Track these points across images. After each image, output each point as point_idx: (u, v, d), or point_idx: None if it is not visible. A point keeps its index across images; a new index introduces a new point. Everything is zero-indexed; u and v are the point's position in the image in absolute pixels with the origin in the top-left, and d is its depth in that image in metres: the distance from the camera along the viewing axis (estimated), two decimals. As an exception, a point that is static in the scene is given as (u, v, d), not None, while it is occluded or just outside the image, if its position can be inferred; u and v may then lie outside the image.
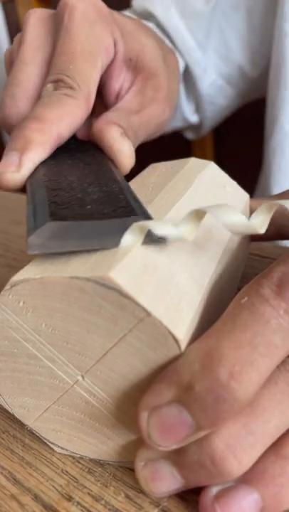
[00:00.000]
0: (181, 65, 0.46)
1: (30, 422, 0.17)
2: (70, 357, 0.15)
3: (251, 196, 0.24)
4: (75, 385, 0.15)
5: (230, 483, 0.14)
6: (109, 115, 0.25)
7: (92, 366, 0.15)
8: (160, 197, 0.19)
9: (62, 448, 0.17)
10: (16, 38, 0.29)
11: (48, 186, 0.18)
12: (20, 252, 0.35)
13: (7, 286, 0.14)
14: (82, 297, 0.13)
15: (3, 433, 0.19)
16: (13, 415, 0.17)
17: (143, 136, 0.29)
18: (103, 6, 0.28)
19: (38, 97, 0.25)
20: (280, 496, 0.14)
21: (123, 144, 0.24)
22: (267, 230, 0.23)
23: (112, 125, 0.24)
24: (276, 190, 0.44)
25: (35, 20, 0.27)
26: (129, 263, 0.14)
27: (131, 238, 0.15)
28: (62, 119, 0.22)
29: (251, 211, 0.23)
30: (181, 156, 0.27)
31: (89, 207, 0.16)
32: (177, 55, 0.45)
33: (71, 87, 0.24)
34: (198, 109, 0.50)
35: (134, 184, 0.22)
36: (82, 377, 0.15)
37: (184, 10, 0.45)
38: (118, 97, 0.30)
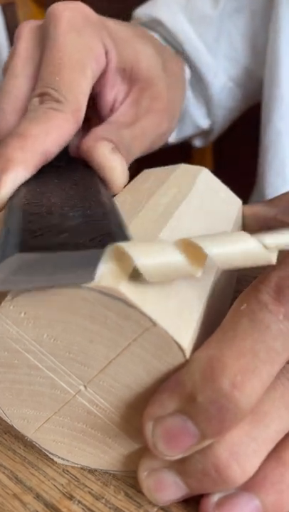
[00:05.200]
0: (187, 71, 0.43)
1: (29, 434, 0.16)
2: (73, 367, 0.14)
3: (247, 200, 0.24)
4: (77, 395, 0.14)
5: (232, 490, 0.13)
6: (98, 130, 0.22)
7: (95, 376, 0.14)
8: (156, 204, 0.18)
9: (62, 459, 0.16)
10: (10, 51, 0.26)
11: (25, 210, 0.16)
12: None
13: (8, 297, 0.13)
14: (85, 307, 0.12)
15: (5, 433, 0.18)
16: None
17: (138, 150, 0.25)
18: (91, 13, 0.24)
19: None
20: (280, 502, 0.13)
21: (114, 161, 0.21)
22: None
23: (102, 141, 0.21)
24: (269, 189, 0.43)
25: (26, 32, 0.24)
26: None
27: (109, 269, 0.12)
28: (48, 135, 0.20)
29: (244, 217, 0.22)
30: (180, 159, 0.26)
31: (65, 235, 0.13)
32: (184, 60, 0.43)
33: (57, 100, 0.21)
34: (210, 112, 0.47)
35: (127, 191, 0.20)
36: (85, 387, 0.14)
37: (192, 15, 0.41)
38: (113, 109, 0.26)
